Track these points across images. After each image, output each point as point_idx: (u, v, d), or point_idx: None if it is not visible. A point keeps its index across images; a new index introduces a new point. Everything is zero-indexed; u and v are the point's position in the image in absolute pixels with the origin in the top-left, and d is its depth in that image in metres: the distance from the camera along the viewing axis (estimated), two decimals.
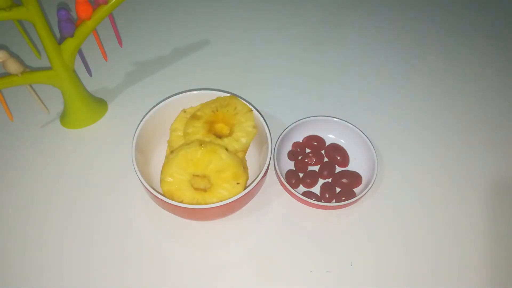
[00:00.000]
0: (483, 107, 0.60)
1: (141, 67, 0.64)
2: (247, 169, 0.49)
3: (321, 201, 0.49)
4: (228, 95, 0.51)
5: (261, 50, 0.66)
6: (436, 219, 0.50)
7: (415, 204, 0.51)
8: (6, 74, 0.48)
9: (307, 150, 0.54)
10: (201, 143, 0.46)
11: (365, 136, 0.53)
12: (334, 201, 0.50)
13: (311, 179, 0.51)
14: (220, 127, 0.50)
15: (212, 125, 0.49)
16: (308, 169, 0.53)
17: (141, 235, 0.48)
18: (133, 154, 0.46)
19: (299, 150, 0.54)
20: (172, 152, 0.47)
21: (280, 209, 0.50)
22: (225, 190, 0.45)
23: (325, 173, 0.52)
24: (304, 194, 0.50)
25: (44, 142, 0.56)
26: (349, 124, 0.53)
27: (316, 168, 0.53)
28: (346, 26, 0.70)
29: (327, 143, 0.55)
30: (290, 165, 0.54)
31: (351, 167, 0.53)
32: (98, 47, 0.56)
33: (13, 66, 0.47)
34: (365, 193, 0.48)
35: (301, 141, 0.55)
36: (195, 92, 0.52)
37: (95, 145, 0.56)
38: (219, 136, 0.48)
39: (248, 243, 0.48)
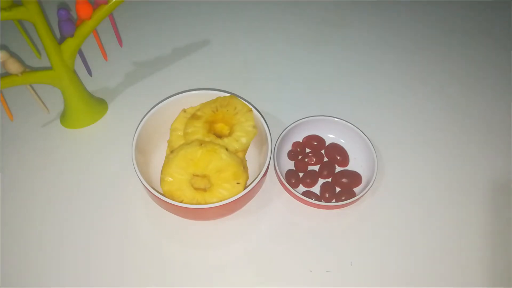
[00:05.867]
0: (483, 107, 0.60)
1: (141, 67, 0.64)
2: (247, 169, 0.49)
3: (321, 201, 0.49)
4: (228, 95, 0.51)
5: (262, 49, 0.66)
6: (436, 219, 0.50)
7: (415, 203, 0.51)
8: (7, 74, 0.48)
9: (307, 150, 0.54)
10: (201, 143, 0.46)
11: (365, 136, 0.53)
12: (334, 200, 0.50)
13: (311, 178, 0.51)
14: (220, 127, 0.50)
15: (212, 125, 0.49)
16: (308, 169, 0.53)
17: (141, 235, 0.48)
18: (133, 154, 0.46)
19: (299, 150, 0.54)
20: (172, 152, 0.47)
21: (280, 209, 0.50)
22: (225, 190, 0.45)
23: (325, 172, 0.52)
24: (304, 193, 0.50)
25: (44, 142, 0.56)
26: (349, 124, 0.53)
27: (316, 168, 0.53)
28: (347, 25, 0.70)
29: (327, 142, 0.55)
30: (290, 165, 0.54)
31: (351, 166, 0.53)
32: (98, 47, 0.56)
33: (13, 66, 0.47)
34: (365, 193, 0.48)
35: (301, 141, 0.55)
36: (195, 92, 0.52)
37: (95, 145, 0.56)
38: (219, 136, 0.48)
39: (248, 242, 0.48)
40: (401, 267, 0.47)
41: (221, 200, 0.44)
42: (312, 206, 0.49)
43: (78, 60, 0.57)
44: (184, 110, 0.51)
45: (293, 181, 0.51)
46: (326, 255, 0.47)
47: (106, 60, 0.59)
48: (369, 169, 0.51)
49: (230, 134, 0.48)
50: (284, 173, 0.52)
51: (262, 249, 0.48)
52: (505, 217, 0.50)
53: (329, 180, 0.52)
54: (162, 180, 0.46)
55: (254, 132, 0.48)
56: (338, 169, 0.53)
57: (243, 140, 0.47)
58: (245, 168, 0.48)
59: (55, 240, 0.48)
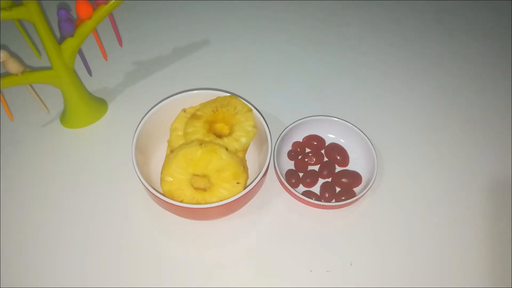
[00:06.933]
0: (483, 107, 0.60)
1: (141, 67, 0.64)
2: (247, 168, 0.49)
3: (321, 201, 0.49)
4: (228, 94, 0.51)
5: (262, 49, 0.66)
6: (436, 219, 0.50)
7: (414, 203, 0.51)
8: (7, 74, 0.48)
9: (307, 150, 0.54)
10: (201, 142, 0.46)
11: (365, 136, 0.53)
12: (334, 200, 0.50)
13: (311, 178, 0.51)
14: (220, 126, 0.50)
15: (212, 125, 0.49)
16: (308, 169, 0.53)
17: (141, 235, 0.48)
18: (133, 154, 0.46)
19: (299, 149, 0.54)
20: (172, 151, 0.47)
21: (280, 209, 0.50)
22: (225, 190, 0.45)
23: (325, 172, 0.52)
24: (304, 193, 0.50)
25: (44, 142, 0.56)
26: (349, 124, 0.53)
27: (316, 167, 0.53)
28: (347, 25, 0.70)
29: (327, 142, 0.55)
30: (290, 164, 0.54)
31: (351, 166, 0.53)
32: (98, 46, 0.56)
33: (13, 66, 0.47)
34: (365, 193, 0.48)
35: (301, 140, 0.55)
36: (195, 92, 0.52)
37: (95, 144, 0.56)
38: (219, 136, 0.48)
39: (248, 242, 0.48)
40: (401, 267, 0.47)
41: (221, 200, 0.44)
42: (312, 206, 0.49)
43: (78, 60, 0.57)
44: (184, 110, 0.51)
45: (293, 181, 0.51)
46: (326, 255, 0.47)
47: (106, 60, 0.59)
48: (369, 169, 0.51)
49: (230, 134, 0.48)
50: (284, 173, 0.52)
51: (262, 249, 0.48)
52: (505, 217, 0.50)
53: (329, 180, 0.52)
54: (162, 180, 0.46)
55: (254, 132, 0.48)
56: (338, 169, 0.53)
57: (243, 140, 0.47)
58: (245, 168, 0.48)
59: (55, 240, 0.48)
